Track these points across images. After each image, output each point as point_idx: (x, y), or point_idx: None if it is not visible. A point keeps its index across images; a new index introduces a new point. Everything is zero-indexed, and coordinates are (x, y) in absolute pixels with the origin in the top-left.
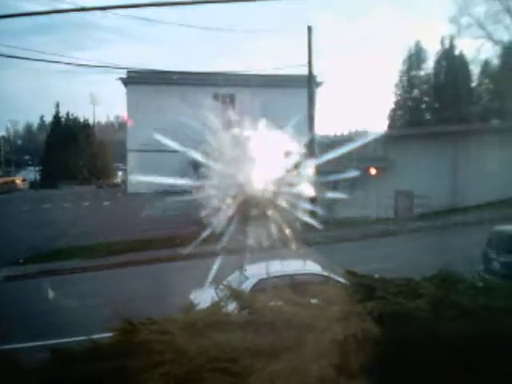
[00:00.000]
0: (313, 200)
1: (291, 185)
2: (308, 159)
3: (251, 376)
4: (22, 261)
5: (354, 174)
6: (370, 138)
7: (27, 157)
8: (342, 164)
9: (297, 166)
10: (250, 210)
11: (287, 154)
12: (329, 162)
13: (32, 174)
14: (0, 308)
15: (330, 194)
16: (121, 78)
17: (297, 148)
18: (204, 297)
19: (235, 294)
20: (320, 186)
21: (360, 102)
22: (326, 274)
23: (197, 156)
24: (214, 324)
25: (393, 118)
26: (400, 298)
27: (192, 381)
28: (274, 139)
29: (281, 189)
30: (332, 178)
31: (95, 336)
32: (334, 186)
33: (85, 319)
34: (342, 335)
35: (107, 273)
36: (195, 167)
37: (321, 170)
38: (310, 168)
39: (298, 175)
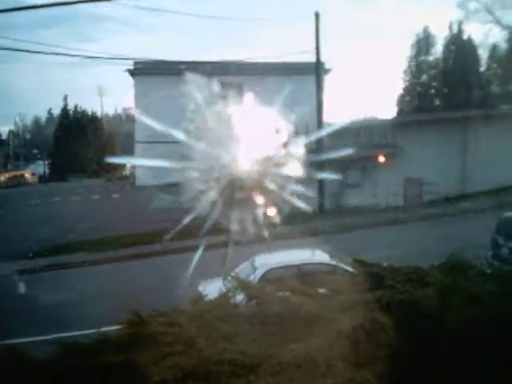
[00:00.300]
0: (302, 181)
1: (279, 165)
2: (298, 137)
3: (259, 367)
4: (31, 255)
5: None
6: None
7: (36, 150)
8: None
9: (285, 144)
10: (236, 193)
11: (276, 131)
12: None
13: (41, 167)
14: (9, 302)
15: (322, 175)
16: (128, 70)
17: (286, 125)
18: (212, 288)
19: (243, 285)
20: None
21: (369, 89)
22: (334, 263)
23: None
24: (221, 316)
25: (401, 103)
26: (408, 287)
27: (200, 372)
28: (262, 116)
29: (268, 170)
30: (323, 157)
31: (104, 329)
32: (343, 174)
33: (92, 312)
34: (349, 325)
35: (116, 266)
36: None
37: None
38: (300, 147)
39: (287, 155)
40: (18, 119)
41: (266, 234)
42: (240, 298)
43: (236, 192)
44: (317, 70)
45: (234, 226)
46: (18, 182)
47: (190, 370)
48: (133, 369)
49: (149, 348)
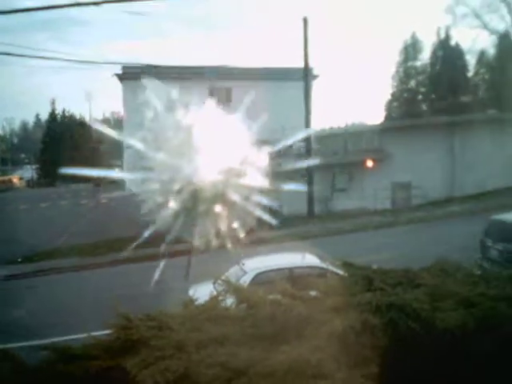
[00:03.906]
0: (268, 193)
1: (242, 175)
2: (264, 151)
3: (250, 369)
4: (20, 259)
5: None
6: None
7: (23, 155)
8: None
9: (249, 158)
10: (199, 205)
11: (241, 142)
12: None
13: (28, 172)
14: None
15: (288, 186)
16: (116, 74)
17: (251, 137)
18: (203, 291)
19: (233, 288)
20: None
21: (357, 94)
22: (324, 266)
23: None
24: (212, 318)
25: (389, 109)
26: (398, 289)
27: (192, 376)
28: (225, 124)
29: (231, 180)
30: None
31: (94, 333)
32: (332, 179)
33: (80, 317)
34: (340, 327)
35: (105, 270)
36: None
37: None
38: (265, 157)
39: (251, 164)
40: (4, 123)
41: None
42: (230, 301)
43: (199, 204)
44: (305, 75)
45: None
46: (6, 186)
47: (181, 373)
48: (124, 373)
49: (139, 352)
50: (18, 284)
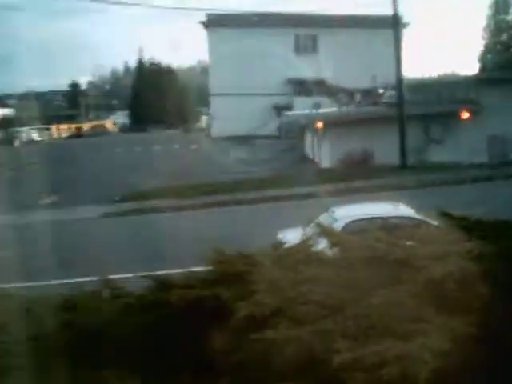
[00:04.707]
0: None
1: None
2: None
3: (347, 309)
4: (117, 199)
5: None
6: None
7: (115, 101)
8: None
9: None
10: None
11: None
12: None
13: (121, 117)
14: (98, 241)
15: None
16: (201, 22)
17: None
18: (292, 236)
19: (326, 231)
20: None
21: (447, 44)
22: (419, 217)
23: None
24: (304, 259)
25: (483, 60)
26: (500, 240)
27: (286, 311)
28: None
29: None
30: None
31: (192, 269)
32: (426, 130)
33: (176, 253)
34: (438, 273)
35: (197, 212)
36: (278, 110)
37: None
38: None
39: None
40: (95, 71)
41: None
42: (321, 246)
43: None
44: (394, 23)
45: None
46: (100, 131)
47: (276, 307)
48: (219, 303)
49: (234, 285)
50: (113, 221)
